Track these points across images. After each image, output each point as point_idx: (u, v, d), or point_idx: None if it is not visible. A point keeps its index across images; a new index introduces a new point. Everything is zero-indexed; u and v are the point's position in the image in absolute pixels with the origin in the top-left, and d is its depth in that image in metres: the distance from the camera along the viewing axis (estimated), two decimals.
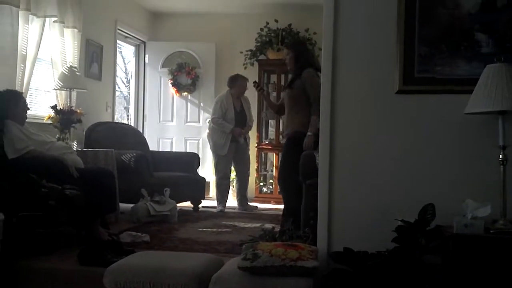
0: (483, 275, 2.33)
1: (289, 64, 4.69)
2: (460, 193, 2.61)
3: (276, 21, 7.10)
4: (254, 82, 5.15)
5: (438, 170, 2.78)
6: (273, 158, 7.17)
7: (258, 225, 4.89)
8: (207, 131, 6.38)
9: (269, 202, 6.81)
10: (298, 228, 3.61)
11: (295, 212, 4.03)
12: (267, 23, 7.14)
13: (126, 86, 11.77)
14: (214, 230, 4.64)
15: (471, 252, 2.37)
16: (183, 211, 5.60)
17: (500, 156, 2.49)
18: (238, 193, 6.26)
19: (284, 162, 4.51)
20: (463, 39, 2.75)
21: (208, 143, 6.45)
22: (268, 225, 4.66)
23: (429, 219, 2.52)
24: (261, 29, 7.19)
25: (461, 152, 2.75)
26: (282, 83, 6.96)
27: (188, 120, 7.51)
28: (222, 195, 6.14)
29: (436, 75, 2.76)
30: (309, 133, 4.32)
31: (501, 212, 2.46)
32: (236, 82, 6.10)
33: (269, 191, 7.09)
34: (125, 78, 12.07)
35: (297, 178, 3.98)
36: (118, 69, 7.82)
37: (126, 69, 11.91)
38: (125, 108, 10.65)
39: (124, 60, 11.57)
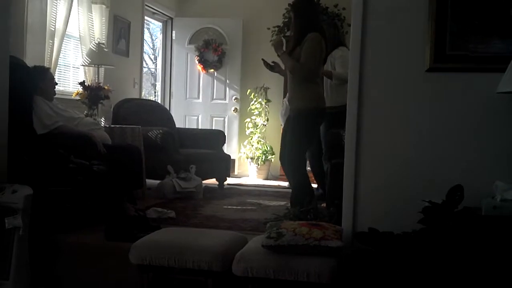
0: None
1: (291, 28, 4.15)
2: (490, 174, 2.56)
3: None
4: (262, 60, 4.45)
5: (468, 150, 2.71)
6: None
7: (283, 203, 4.88)
8: None
9: None
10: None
11: (310, 192, 3.94)
12: None
13: (153, 63, 11.81)
14: (239, 207, 4.65)
15: (500, 234, 2.31)
16: (208, 188, 5.63)
17: None
18: None
19: (291, 141, 4.06)
20: (498, 15, 2.65)
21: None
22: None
23: (457, 200, 2.46)
24: (289, 5, 7.06)
25: (492, 132, 2.67)
26: None
27: (214, 97, 7.50)
28: None
29: (470, 52, 2.67)
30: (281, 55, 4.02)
31: None
32: None
33: None
34: (153, 54, 12.12)
35: (304, 158, 3.85)
36: (145, 45, 7.83)
37: (153, 45, 11.95)
38: (152, 84, 10.71)
39: (151, 36, 11.60)
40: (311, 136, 4.17)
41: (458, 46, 2.69)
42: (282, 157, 4.29)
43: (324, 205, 3.98)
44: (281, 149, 4.34)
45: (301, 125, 4.00)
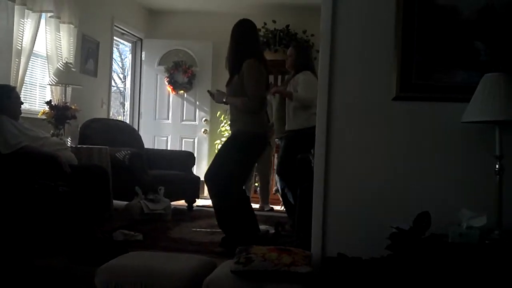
0: (478, 284, 2.33)
1: (228, 53, 3.98)
2: (456, 202, 2.61)
3: (274, 21, 7.08)
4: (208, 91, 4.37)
5: (434, 178, 2.76)
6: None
7: None
8: None
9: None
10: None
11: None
12: (265, 23, 7.11)
13: (122, 82, 11.73)
14: (208, 230, 4.62)
15: (466, 261, 2.36)
16: (177, 210, 5.58)
17: (496, 166, 2.48)
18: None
19: (224, 160, 3.84)
20: (462, 47, 2.74)
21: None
22: (263, 227, 4.63)
23: (424, 227, 2.50)
24: (259, 30, 7.14)
25: (457, 161, 2.74)
26: (279, 83, 6.93)
27: (184, 118, 7.49)
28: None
29: (434, 82, 2.75)
30: (226, 100, 3.89)
31: (496, 222, 2.45)
32: None
33: None
34: (122, 73, 12.03)
35: (237, 182, 3.80)
36: (114, 64, 7.78)
37: (123, 64, 11.87)
38: (121, 103, 10.61)
39: (121, 56, 11.53)
40: (248, 161, 3.96)
41: (424, 76, 2.76)
42: (208, 174, 3.93)
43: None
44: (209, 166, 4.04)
45: (241, 148, 3.79)
